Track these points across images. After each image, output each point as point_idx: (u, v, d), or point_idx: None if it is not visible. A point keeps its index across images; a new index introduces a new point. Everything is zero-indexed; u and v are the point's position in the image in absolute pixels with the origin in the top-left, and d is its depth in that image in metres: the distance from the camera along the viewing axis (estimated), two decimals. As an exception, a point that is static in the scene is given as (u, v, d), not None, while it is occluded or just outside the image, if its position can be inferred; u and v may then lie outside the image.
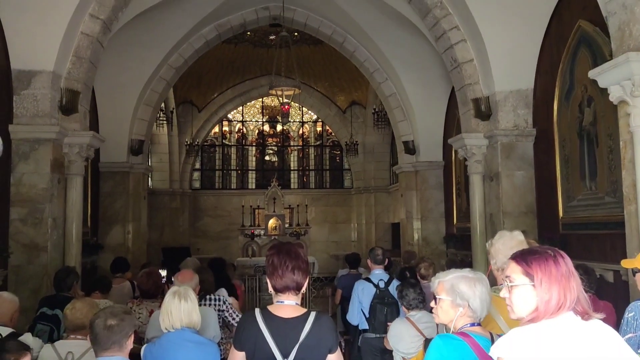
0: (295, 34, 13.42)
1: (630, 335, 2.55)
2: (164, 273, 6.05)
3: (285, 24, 10.99)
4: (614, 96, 4.50)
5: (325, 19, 11.38)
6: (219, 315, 4.53)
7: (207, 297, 4.62)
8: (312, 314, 2.38)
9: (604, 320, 3.97)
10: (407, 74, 10.95)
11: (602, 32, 5.57)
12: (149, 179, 13.91)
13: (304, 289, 2.44)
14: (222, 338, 4.33)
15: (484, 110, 7.60)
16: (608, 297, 4.68)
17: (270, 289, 2.44)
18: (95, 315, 2.51)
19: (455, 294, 2.43)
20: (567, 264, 1.82)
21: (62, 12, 6.47)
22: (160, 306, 5.01)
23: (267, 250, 2.50)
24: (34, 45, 6.38)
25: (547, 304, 1.77)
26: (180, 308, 3.08)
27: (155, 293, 5.10)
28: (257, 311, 2.39)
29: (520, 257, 1.90)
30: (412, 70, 10.86)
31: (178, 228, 16.65)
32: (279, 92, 9.87)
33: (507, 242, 2.76)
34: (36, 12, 6.29)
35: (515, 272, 1.86)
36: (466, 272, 2.50)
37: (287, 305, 2.40)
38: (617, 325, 3.95)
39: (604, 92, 4.84)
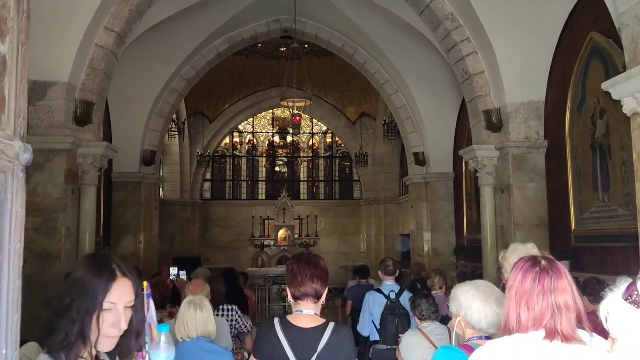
0: (306, 45, 13.50)
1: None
2: (174, 271, 6.08)
3: (296, 36, 11.07)
4: (627, 108, 4.49)
5: (336, 31, 11.45)
6: (231, 325, 4.54)
7: (220, 307, 4.63)
8: (331, 325, 2.39)
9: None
10: (417, 85, 10.98)
11: (614, 44, 5.57)
12: (160, 189, 13.98)
13: (323, 298, 2.44)
14: (233, 348, 4.34)
15: (495, 122, 7.60)
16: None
17: (290, 297, 2.45)
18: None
19: (453, 302, 2.42)
20: (542, 279, 1.72)
21: (78, 24, 6.57)
22: (169, 315, 5.05)
23: (287, 260, 2.51)
24: (49, 56, 6.47)
25: (505, 317, 1.74)
26: (196, 317, 3.10)
27: (162, 303, 5.13)
28: (276, 320, 2.40)
29: (516, 263, 1.88)
30: (422, 81, 10.89)
31: (188, 238, 16.68)
32: (290, 104, 9.91)
33: (521, 256, 2.74)
34: (52, 24, 6.39)
35: None
36: (477, 283, 2.48)
37: (306, 315, 2.40)
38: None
39: (617, 103, 4.83)
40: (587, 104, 6.46)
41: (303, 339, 2.34)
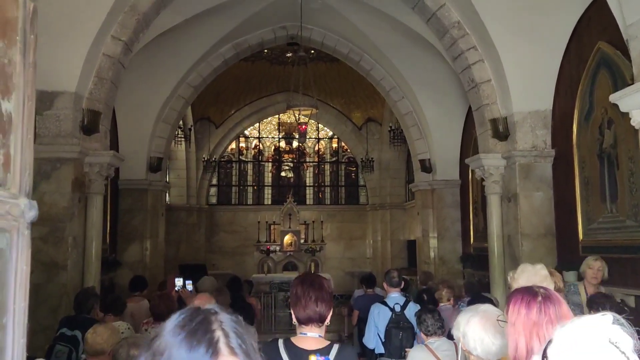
0: (312, 51, 13.52)
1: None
2: (179, 282, 6.06)
3: (302, 43, 11.08)
4: (635, 120, 4.46)
5: (342, 38, 11.45)
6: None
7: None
8: (335, 347, 2.38)
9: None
10: (423, 92, 10.97)
11: (622, 55, 5.54)
12: (167, 194, 14.01)
13: (327, 320, 2.43)
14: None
15: (502, 131, 7.57)
16: (632, 322, 4.59)
17: (294, 319, 2.44)
18: (118, 344, 2.53)
19: (455, 327, 2.40)
20: (547, 309, 1.74)
21: (85, 34, 6.60)
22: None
23: (292, 280, 2.50)
24: (56, 66, 6.50)
25: (513, 352, 1.74)
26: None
27: (167, 315, 5.11)
28: (280, 342, 2.39)
29: (510, 295, 1.88)
30: (428, 88, 10.87)
31: (194, 244, 16.70)
32: (296, 112, 9.91)
33: (530, 278, 2.69)
34: (59, 34, 6.41)
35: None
36: (479, 308, 2.43)
37: (310, 338, 2.39)
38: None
39: (625, 114, 4.80)
40: (594, 114, 6.43)
41: None
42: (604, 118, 6.20)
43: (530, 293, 1.85)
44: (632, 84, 4.63)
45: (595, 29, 6.42)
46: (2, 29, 0.88)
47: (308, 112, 10.11)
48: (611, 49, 5.98)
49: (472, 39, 7.76)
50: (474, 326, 2.27)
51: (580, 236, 6.72)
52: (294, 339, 2.42)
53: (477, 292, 6.72)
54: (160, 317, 4.91)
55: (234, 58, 11.37)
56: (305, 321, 2.39)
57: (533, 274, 2.74)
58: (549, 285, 2.64)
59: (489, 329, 2.25)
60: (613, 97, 4.69)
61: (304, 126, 10.82)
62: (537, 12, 6.92)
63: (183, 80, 10.73)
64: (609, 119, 6.11)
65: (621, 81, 5.76)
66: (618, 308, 4.14)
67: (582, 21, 6.78)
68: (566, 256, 6.96)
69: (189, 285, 6.22)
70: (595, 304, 3.97)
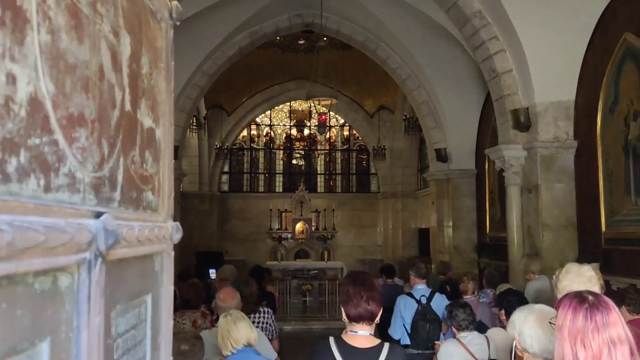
0: (325, 39, 13.46)
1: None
2: (213, 274, 6.09)
3: (318, 31, 11.02)
4: (667, 115, 4.43)
5: (358, 26, 11.39)
6: (265, 328, 4.57)
7: (255, 309, 4.65)
8: (386, 345, 2.40)
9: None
10: (440, 81, 10.90)
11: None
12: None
13: (377, 318, 2.46)
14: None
15: (523, 122, 7.53)
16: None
17: (344, 316, 2.47)
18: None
19: (510, 326, 2.41)
20: (593, 316, 1.72)
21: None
22: (202, 316, 5.09)
23: (342, 278, 2.53)
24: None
25: (559, 356, 1.73)
26: (237, 328, 3.13)
27: (196, 304, 5.16)
28: (331, 340, 2.42)
29: (560, 299, 1.88)
30: (445, 77, 10.81)
31: (207, 230, 16.78)
32: (316, 102, 9.88)
33: (574, 279, 2.66)
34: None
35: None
36: (534, 308, 2.45)
37: (361, 336, 2.42)
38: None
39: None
40: (619, 106, 6.38)
41: (360, 359, 2.36)
42: (630, 110, 6.16)
43: (578, 299, 1.84)
44: (665, 77, 4.60)
45: (622, 19, 6.35)
46: (153, 58, 0.89)
47: (327, 102, 10.08)
48: (638, 40, 5.92)
49: (493, 29, 7.70)
50: (531, 324, 2.28)
51: (603, 228, 6.71)
52: (345, 337, 2.44)
53: (496, 283, 6.76)
54: (188, 304, 4.96)
55: (248, 46, 11.34)
56: (356, 319, 2.42)
57: (577, 274, 2.71)
58: (595, 287, 2.64)
59: (546, 328, 2.27)
60: (645, 91, 4.65)
61: (323, 116, 10.79)
62: (561, 2, 6.85)
63: (199, 68, 10.72)
64: (634, 111, 6.07)
65: (648, 73, 5.71)
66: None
67: (607, 12, 6.70)
68: (588, 248, 6.95)
69: (212, 274, 6.27)
70: (627, 298, 3.97)
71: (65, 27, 0.65)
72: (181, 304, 5.12)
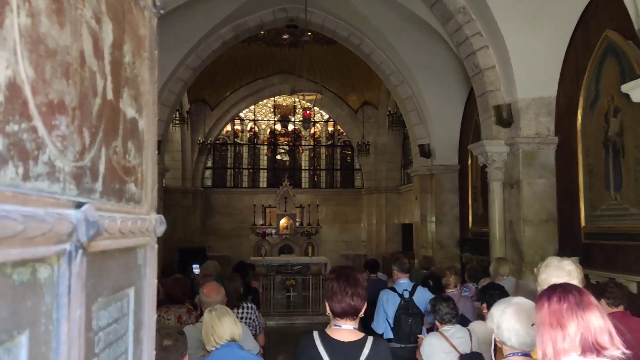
0: (309, 33, 13.42)
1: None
2: (197, 269, 6.05)
3: (302, 26, 10.98)
4: (647, 111, 4.50)
5: (342, 21, 11.37)
6: (249, 324, 4.56)
7: (240, 305, 4.64)
8: (370, 339, 2.41)
9: (636, 336, 3.94)
10: (423, 77, 10.94)
11: (633, 45, 5.55)
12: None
13: (361, 313, 2.46)
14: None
15: (506, 118, 7.59)
16: (632, 308, 4.68)
17: (328, 311, 2.47)
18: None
19: (489, 319, 2.44)
20: (566, 297, 1.77)
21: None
22: (187, 312, 5.06)
23: (327, 274, 2.53)
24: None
25: (541, 345, 1.75)
26: (221, 323, 3.11)
27: (182, 299, 5.13)
28: (315, 334, 2.42)
29: (538, 296, 1.92)
30: (428, 73, 10.84)
31: (190, 226, 16.69)
32: (301, 97, 9.85)
33: (554, 272, 2.69)
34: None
35: None
36: (512, 300, 2.48)
37: (345, 330, 2.43)
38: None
39: (632, 103, 4.83)
40: (600, 102, 6.46)
41: (343, 352, 2.36)
42: (610, 106, 6.24)
43: (552, 287, 1.91)
44: (644, 74, 4.67)
45: (603, 16, 6.42)
46: (136, 46, 0.87)
47: (312, 97, 10.06)
48: (619, 37, 5.99)
49: (477, 25, 7.74)
50: (509, 317, 2.30)
51: (583, 223, 6.80)
52: (328, 331, 2.45)
53: (478, 277, 6.83)
54: (174, 299, 4.92)
55: (232, 40, 11.27)
56: (340, 314, 2.43)
57: (556, 268, 2.75)
58: (575, 280, 2.67)
59: (523, 321, 2.28)
60: (625, 87, 4.72)
61: (308, 112, 10.76)
62: (544, -1, 6.90)
63: (182, 62, 10.62)
64: (615, 107, 6.15)
65: (629, 70, 5.79)
66: (626, 298, 4.20)
67: (589, 9, 6.77)
68: (568, 242, 7.04)
69: (196, 270, 6.24)
70: (607, 292, 4.03)
71: (46, 10, 0.63)
72: (166, 299, 5.08)
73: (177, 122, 14.54)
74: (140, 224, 0.83)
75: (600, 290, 4.17)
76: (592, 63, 6.56)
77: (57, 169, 0.65)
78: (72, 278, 0.66)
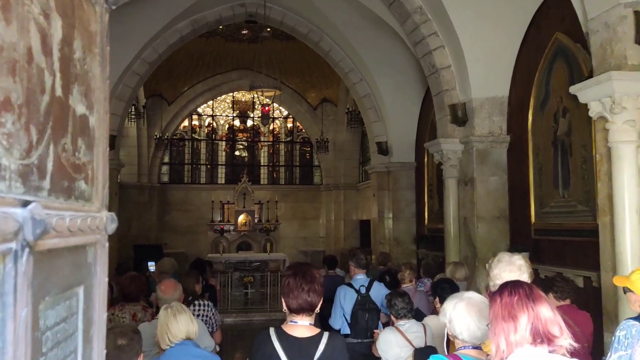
0: (268, 29, 13.37)
1: (621, 353, 2.67)
2: (152, 267, 5.95)
3: (261, 21, 10.93)
4: (593, 112, 4.67)
5: (302, 18, 11.37)
6: (205, 322, 4.53)
7: (195, 302, 4.61)
8: (325, 334, 2.44)
9: (581, 328, 4.10)
10: (381, 75, 11.06)
11: (581, 47, 5.75)
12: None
13: (317, 309, 2.49)
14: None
15: (461, 116, 7.76)
16: (579, 302, 4.88)
17: (285, 307, 2.48)
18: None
19: (441, 314, 2.49)
20: (517, 290, 1.83)
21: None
22: (143, 309, 4.98)
23: (284, 270, 2.55)
24: None
25: (495, 339, 1.81)
26: (177, 322, 3.09)
27: (137, 297, 5.06)
28: (271, 330, 2.43)
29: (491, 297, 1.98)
30: (386, 72, 10.97)
31: (146, 222, 16.40)
32: (259, 93, 9.80)
33: (505, 267, 2.80)
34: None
35: None
36: (464, 295, 2.54)
37: (301, 325, 2.44)
38: (593, 334, 4.14)
39: (580, 103, 5.01)
40: (550, 102, 6.68)
41: (299, 348, 2.38)
42: (560, 107, 6.46)
43: (502, 284, 1.98)
44: (590, 76, 4.85)
45: (554, 19, 6.63)
46: (87, 42, 0.86)
47: (271, 94, 10.02)
48: (568, 39, 6.20)
49: (433, 25, 7.87)
50: (460, 312, 2.36)
51: (533, 219, 7.03)
52: (285, 327, 2.46)
53: (434, 273, 6.97)
54: (129, 297, 4.85)
55: (190, 34, 11.12)
56: (296, 311, 2.44)
57: (508, 263, 2.85)
58: (525, 274, 2.77)
59: (474, 315, 2.35)
60: (573, 89, 4.89)
61: (267, 108, 10.71)
62: (498, 1, 7.08)
63: (138, 56, 10.41)
64: (564, 107, 6.37)
65: (577, 71, 6.00)
66: (573, 292, 4.38)
67: (541, 11, 6.98)
68: (519, 238, 7.26)
69: (152, 267, 6.15)
70: (555, 286, 4.18)
71: (-9, 7, 0.62)
72: (121, 297, 5.00)
73: (133, 116, 14.24)
74: (91, 221, 0.83)
75: (548, 285, 4.33)
76: (543, 64, 6.78)
77: (3, 167, 0.64)
78: (18, 277, 0.66)
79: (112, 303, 5.45)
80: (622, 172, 4.39)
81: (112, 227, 0.86)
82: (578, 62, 5.97)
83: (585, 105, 4.78)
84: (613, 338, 2.75)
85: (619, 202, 4.39)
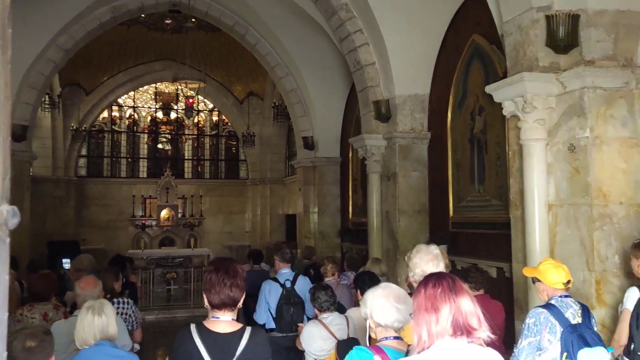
0: (193, 19, 13.06)
1: (531, 339, 2.84)
2: (67, 264, 5.67)
3: (185, 11, 10.67)
4: (507, 111, 4.91)
5: (228, 10, 11.21)
6: (124, 320, 4.39)
7: (114, 300, 4.45)
8: (248, 330, 2.43)
9: (494, 317, 4.33)
10: (308, 70, 11.11)
11: (496, 49, 6.04)
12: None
13: (240, 304, 2.47)
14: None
15: (384, 113, 7.94)
16: (492, 292, 5.14)
17: (206, 303, 2.45)
18: (12, 336, 2.36)
19: (363, 305, 2.55)
20: (440, 283, 1.88)
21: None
22: (54, 308, 4.77)
23: (207, 265, 2.51)
24: None
25: (417, 329, 1.86)
26: (94, 323, 2.98)
27: (47, 296, 4.84)
28: (192, 327, 2.39)
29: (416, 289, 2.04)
30: (313, 67, 11.03)
31: (63, 217, 15.64)
32: (183, 85, 9.56)
33: (423, 257, 2.94)
34: None
35: None
36: (381, 285, 2.62)
37: (223, 321, 2.42)
38: (505, 322, 4.38)
39: (494, 102, 5.26)
40: (467, 101, 6.98)
41: (221, 344, 2.36)
42: (476, 105, 6.76)
43: (427, 276, 2.03)
44: (505, 76, 5.10)
45: (471, 21, 6.92)
46: None
47: (195, 86, 9.82)
48: (484, 41, 6.49)
49: (358, 22, 7.99)
50: (379, 299, 2.44)
51: (451, 213, 7.32)
52: (206, 323, 2.43)
53: (357, 266, 7.10)
54: (39, 297, 4.62)
55: (111, 22, 10.68)
56: (218, 306, 2.41)
57: (426, 252, 2.99)
58: (441, 263, 2.91)
59: (392, 300, 2.43)
60: (489, 89, 5.12)
61: (191, 100, 10.47)
62: (421, 1, 7.28)
63: (52, 42, 9.86)
64: (480, 106, 6.67)
65: (492, 72, 6.30)
66: (487, 283, 4.60)
67: (460, 12, 7.26)
68: (438, 232, 7.54)
69: (67, 265, 5.88)
70: (470, 276, 4.38)
71: None
72: (30, 297, 4.75)
73: (47, 106, 13.48)
74: (-13, 216, 0.78)
75: (463, 275, 4.52)
76: (461, 64, 7.06)
77: None
78: None
79: (22, 303, 5.19)
80: (532, 168, 4.64)
81: (14, 221, 0.82)
82: (493, 63, 6.26)
83: (500, 104, 5.01)
84: (523, 325, 2.92)
85: (529, 196, 4.64)
